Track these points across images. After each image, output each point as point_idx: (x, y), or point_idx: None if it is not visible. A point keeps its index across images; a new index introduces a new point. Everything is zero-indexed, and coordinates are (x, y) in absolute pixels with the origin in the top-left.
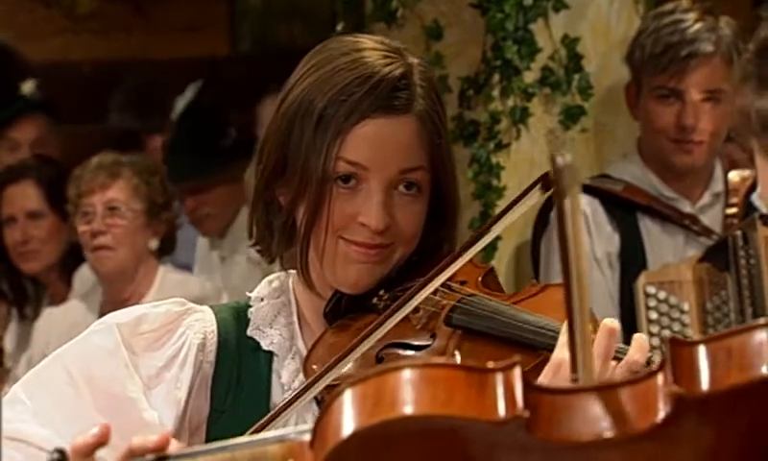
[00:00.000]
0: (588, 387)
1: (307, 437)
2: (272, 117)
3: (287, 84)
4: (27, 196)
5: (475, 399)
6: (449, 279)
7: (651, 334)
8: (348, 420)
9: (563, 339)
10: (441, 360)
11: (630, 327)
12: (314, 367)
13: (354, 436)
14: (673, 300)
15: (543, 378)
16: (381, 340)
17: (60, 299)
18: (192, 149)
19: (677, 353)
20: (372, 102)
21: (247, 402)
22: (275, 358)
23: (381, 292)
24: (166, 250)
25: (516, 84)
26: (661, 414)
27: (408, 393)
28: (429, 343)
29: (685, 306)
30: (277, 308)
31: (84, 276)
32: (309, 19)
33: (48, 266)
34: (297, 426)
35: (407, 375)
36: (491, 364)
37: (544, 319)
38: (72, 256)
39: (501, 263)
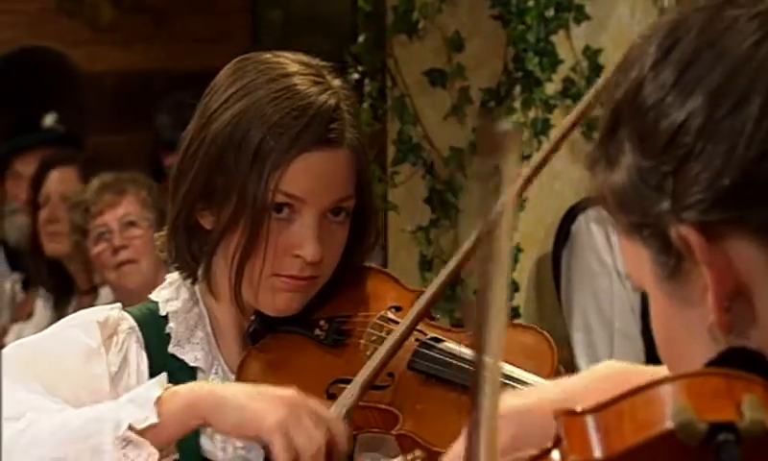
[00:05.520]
0: None
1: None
2: (190, 139)
3: (207, 107)
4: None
5: None
6: (390, 310)
7: None
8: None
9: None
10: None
11: (652, 339)
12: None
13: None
14: None
15: None
16: (332, 375)
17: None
18: None
19: (569, 425)
20: (311, 136)
21: None
22: (199, 373)
23: (322, 323)
24: None
25: (537, 95)
26: None
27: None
28: (388, 384)
29: None
30: (194, 322)
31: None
32: (330, 31)
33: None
34: None
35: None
36: None
37: (508, 367)
38: None
39: (522, 276)
